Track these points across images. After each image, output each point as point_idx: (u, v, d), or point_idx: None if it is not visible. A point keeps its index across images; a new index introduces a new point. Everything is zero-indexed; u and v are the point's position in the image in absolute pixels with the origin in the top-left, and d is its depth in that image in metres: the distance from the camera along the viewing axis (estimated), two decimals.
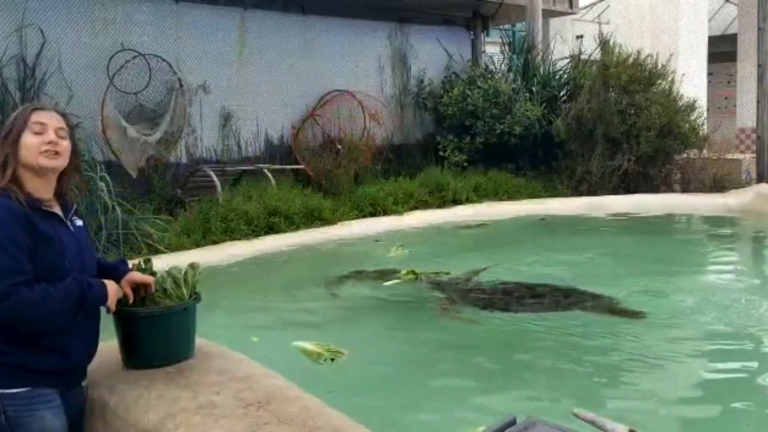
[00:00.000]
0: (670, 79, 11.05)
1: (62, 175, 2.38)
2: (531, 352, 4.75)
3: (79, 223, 2.45)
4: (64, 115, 2.38)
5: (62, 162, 2.33)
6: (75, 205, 2.46)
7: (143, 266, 2.67)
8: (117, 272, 2.56)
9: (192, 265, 2.71)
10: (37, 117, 2.29)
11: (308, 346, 4.40)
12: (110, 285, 2.42)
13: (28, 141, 2.26)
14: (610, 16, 15.62)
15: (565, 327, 5.18)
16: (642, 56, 11.10)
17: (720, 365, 4.49)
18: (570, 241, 8.56)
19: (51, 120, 2.31)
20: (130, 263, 2.71)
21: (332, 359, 4.26)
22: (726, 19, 16.91)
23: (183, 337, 2.65)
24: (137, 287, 2.57)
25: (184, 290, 2.61)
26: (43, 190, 2.32)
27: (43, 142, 2.27)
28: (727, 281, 6.85)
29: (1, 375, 2.19)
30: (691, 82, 12.45)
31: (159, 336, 2.58)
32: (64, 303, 2.24)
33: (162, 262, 5.44)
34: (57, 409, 2.28)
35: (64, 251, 2.31)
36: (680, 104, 10.94)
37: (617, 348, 4.84)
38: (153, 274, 2.66)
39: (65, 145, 2.33)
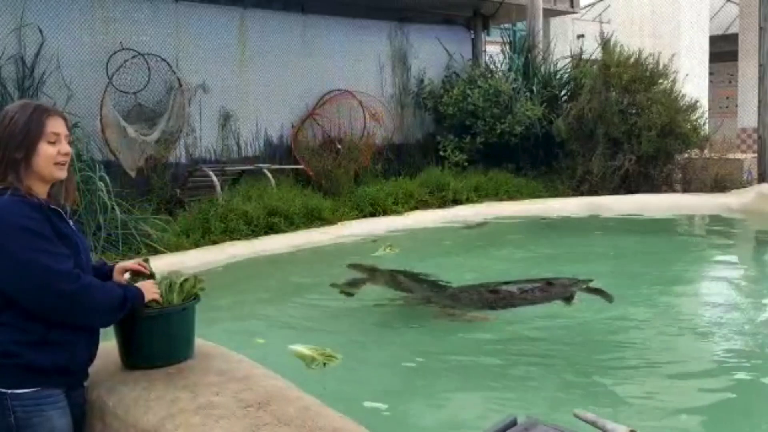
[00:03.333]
0: (671, 78, 11.03)
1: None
2: (528, 353, 4.73)
3: (71, 222, 2.46)
4: (66, 118, 2.40)
5: (66, 170, 2.37)
6: (67, 206, 2.47)
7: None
8: (101, 272, 2.58)
9: (195, 277, 2.70)
10: (53, 126, 2.30)
11: (303, 349, 4.39)
12: (145, 286, 2.50)
13: (46, 151, 2.28)
14: (611, 15, 15.61)
15: (561, 327, 5.17)
16: (643, 56, 11.08)
17: (721, 365, 4.47)
18: (570, 242, 8.54)
19: (62, 128, 2.33)
20: (128, 263, 2.72)
21: (324, 364, 4.25)
22: (727, 18, 16.89)
23: (182, 337, 2.63)
24: (134, 274, 2.64)
25: (175, 297, 2.58)
26: (42, 192, 2.33)
27: (59, 153, 2.30)
28: (728, 281, 6.83)
29: (10, 375, 2.21)
30: (693, 81, 12.43)
31: (158, 336, 2.57)
32: (112, 297, 2.34)
33: (162, 263, 5.42)
34: (64, 409, 2.30)
35: (79, 249, 2.36)
36: (681, 104, 10.93)
37: (616, 348, 4.83)
38: (151, 274, 2.65)
39: (71, 152, 2.37)
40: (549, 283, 5.96)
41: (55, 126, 2.30)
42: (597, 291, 5.77)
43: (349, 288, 6.25)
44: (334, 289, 6.25)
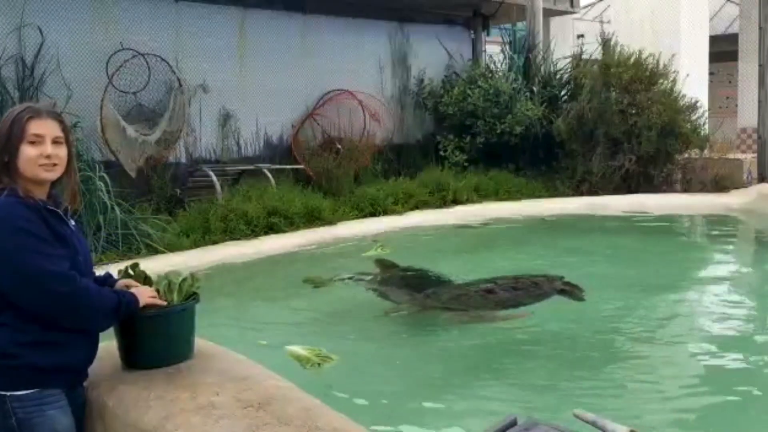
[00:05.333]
0: (671, 78, 11.03)
1: (56, 180, 2.38)
2: (527, 353, 4.73)
3: (73, 223, 2.45)
4: (60, 120, 2.36)
5: (60, 171, 2.34)
6: (68, 207, 2.45)
7: (131, 271, 2.65)
8: (106, 284, 2.56)
9: (192, 275, 2.70)
10: (34, 128, 2.27)
11: (300, 350, 4.39)
12: (140, 291, 2.48)
13: (27, 153, 2.26)
14: (611, 15, 15.60)
15: (560, 327, 5.17)
16: (643, 56, 11.08)
17: (720, 364, 4.47)
18: (570, 242, 8.53)
19: (48, 129, 2.29)
20: (123, 265, 2.74)
21: (319, 365, 4.25)
22: (727, 18, 16.89)
23: (182, 337, 2.63)
24: None
25: (175, 296, 2.59)
26: (40, 193, 2.32)
27: (41, 155, 2.27)
28: (728, 281, 6.84)
29: (10, 377, 2.20)
30: (693, 81, 12.42)
31: (158, 337, 2.56)
32: (107, 302, 2.33)
33: (162, 263, 5.41)
34: (64, 408, 2.30)
35: (77, 250, 2.35)
36: (681, 104, 10.93)
37: (615, 347, 4.83)
38: (147, 277, 2.65)
39: (62, 154, 2.33)
40: (535, 282, 6.00)
41: (38, 127, 2.27)
42: (570, 285, 5.86)
43: (317, 281, 6.46)
44: (306, 283, 6.42)
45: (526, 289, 5.82)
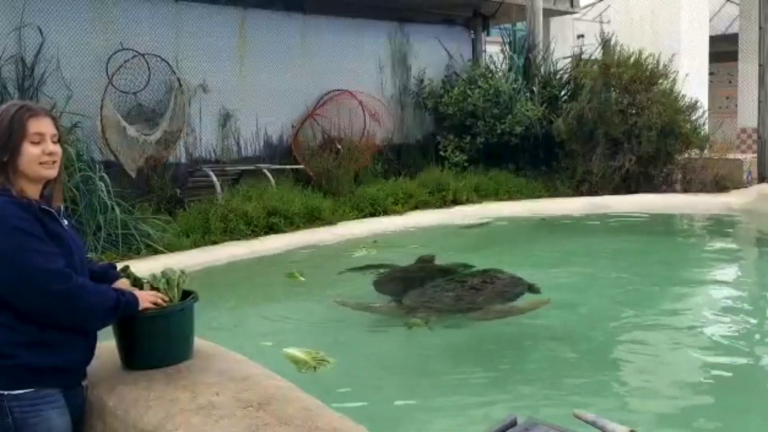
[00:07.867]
0: (671, 78, 11.04)
1: (49, 179, 2.39)
2: (527, 353, 4.73)
3: (66, 222, 2.45)
4: (54, 117, 2.39)
5: (57, 168, 2.36)
6: (61, 206, 2.46)
7: (123, 273, 2.65)
8: (107, 277, 2.57)
9: (182, 272, 2.71)
10: (35, 126, 2.28)
11: (296, 353, 4.39)
12: (141, 293, 2.49)
13: (30, 152, 2.27)
14: (611, 15, 15.60)
15: (559, 326, 5.17)
16: (643, 56, 11.09)
17: (720, 365, 4.47)
18: (570, 242, 8.54)
19: (47, 127, 2.32)
20: (123, 265, 2.73)
21: (315, 368, 4.25)
22: (727, 18, 16.89)
23: (182, 338, 2.63)
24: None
25: (176, 292, 2.60)
26: (34, 193, 2.33)
27: (43, 153, 2.29)
28: (728, 281, 6.85)
29: (6, 376, 2.20)
30: (693, 81, 12.42)
31: (158, 337, 2.56)
32: (104, 300, 2.33)
33: (161, 263, 5.41)
34: (61, 408, 2.29)
35: (72, 249, 2.35)
36: (681, 104, 10.93)
37: (615, 348, 4.83)
38: (137, 279, 2.65)
39: (59, 151, 2.35)
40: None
41: (39, 126, 2.29)
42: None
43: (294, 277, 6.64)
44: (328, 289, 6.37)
45: (508, 282, 5.85)
